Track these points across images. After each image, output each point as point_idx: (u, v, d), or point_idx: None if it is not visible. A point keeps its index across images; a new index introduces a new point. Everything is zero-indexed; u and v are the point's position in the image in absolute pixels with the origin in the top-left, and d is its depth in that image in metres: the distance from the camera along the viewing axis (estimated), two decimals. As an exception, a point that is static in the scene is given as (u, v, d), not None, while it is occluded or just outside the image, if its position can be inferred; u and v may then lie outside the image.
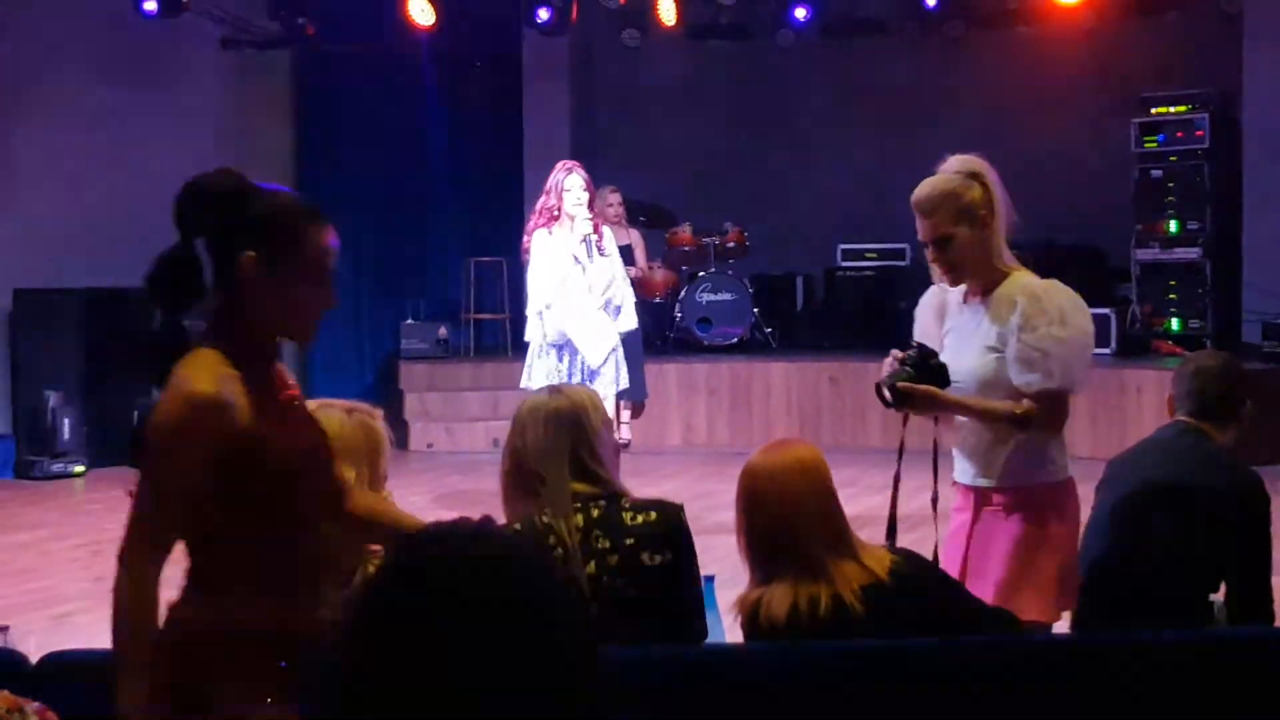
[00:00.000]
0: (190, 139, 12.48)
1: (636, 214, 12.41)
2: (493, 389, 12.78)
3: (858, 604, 3.23)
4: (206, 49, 12.69)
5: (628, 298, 8.59)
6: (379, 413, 3.50)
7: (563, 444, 3.47)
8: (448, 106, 13.70)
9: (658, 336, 12.40)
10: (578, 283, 8.23)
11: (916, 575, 3.36)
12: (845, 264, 13.68)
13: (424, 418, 12.31)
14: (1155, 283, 12.23)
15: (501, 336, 13.68)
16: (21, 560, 8.16)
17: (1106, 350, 12.01)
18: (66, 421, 11.15)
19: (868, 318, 13.41)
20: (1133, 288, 12.28)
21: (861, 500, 9.75)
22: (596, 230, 8.30)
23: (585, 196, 8.25)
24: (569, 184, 8.24)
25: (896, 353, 3.89)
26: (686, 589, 3.50)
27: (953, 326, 4.04)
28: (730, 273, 12.99)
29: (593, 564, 3.40)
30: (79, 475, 11.13)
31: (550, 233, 8.27)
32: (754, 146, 13.79)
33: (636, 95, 14.20)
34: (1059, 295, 3.84)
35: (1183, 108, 12.20)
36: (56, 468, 11.06)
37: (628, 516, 3.45)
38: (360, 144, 13.53)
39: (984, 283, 3.94)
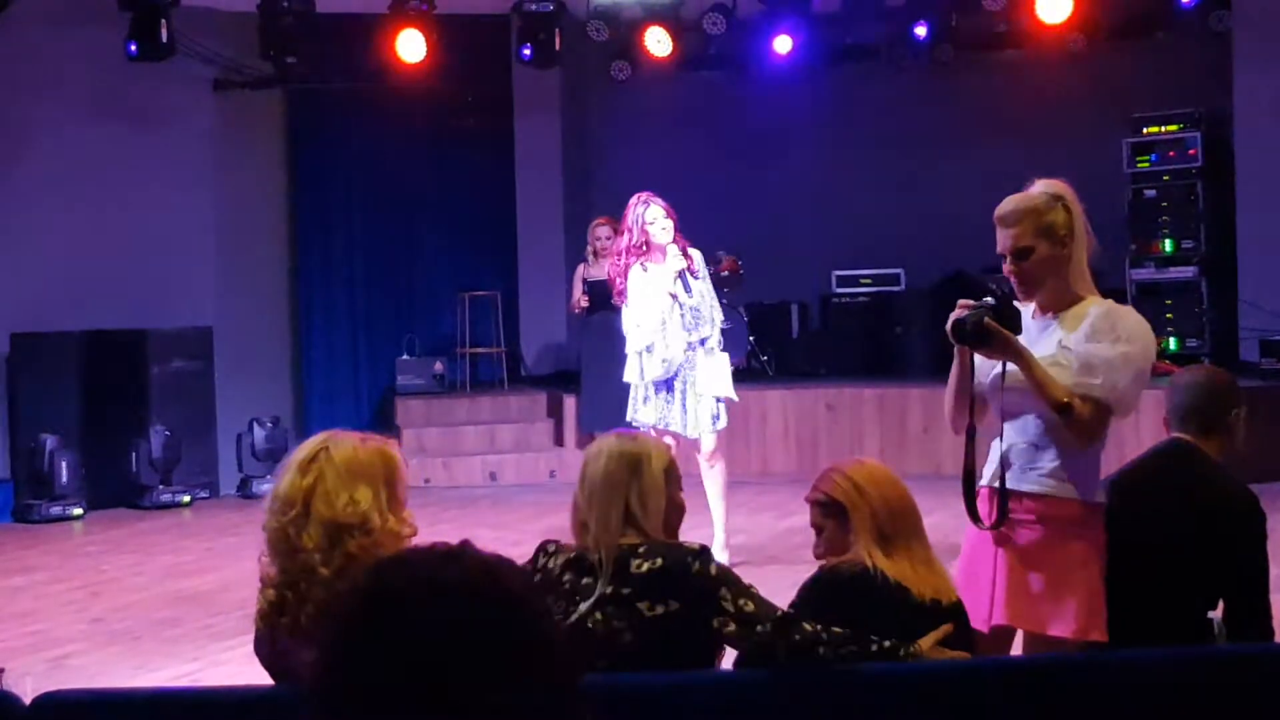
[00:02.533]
0: (184, 180, 12.54)
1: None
2: (489, 423, 12.79)
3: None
4: (199, 91, 12.73)
5: (718, 320, 8.43)
6: (394, 443, 3.49)
7: (618, 484, 3.47)
8: (439, 142, 13.73)
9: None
10: (677, 322, 8.12)
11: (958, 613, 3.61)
12: (840, 290, 13.70)
13: (421, 453, 12.29)
14: (1151, 302, 12.22)
15: (497, 371, 13.69)
16: (19, 603, 8.14)
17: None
18: (64, 464, 11.14)
19: (864, 344, 13.43)
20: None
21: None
22: (686, 256, 8.20)
23: (670, 224, 8.12)
24: (650, 215, 8.10)
25: (967, 301, 3.94)
26: (698, 639, 3.35)
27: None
28: (725, 301, 12.95)
29: (598, 612, 3.35)
30: (77, 518, 11.11)
31: (645, 269, 8.16)
32: (746, 175, 13.81)
33: (627, 127, 14.23)
34: (1131, 317, 4.00)
35: (1174, 127, 12.23)
36: (55, 511, 11.05)
37: (635, 564, 3.38)
38: (353, 181, 13.56)
39: (1058, 302, 4.03)
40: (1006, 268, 4.03)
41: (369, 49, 12.48)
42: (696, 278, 8.21)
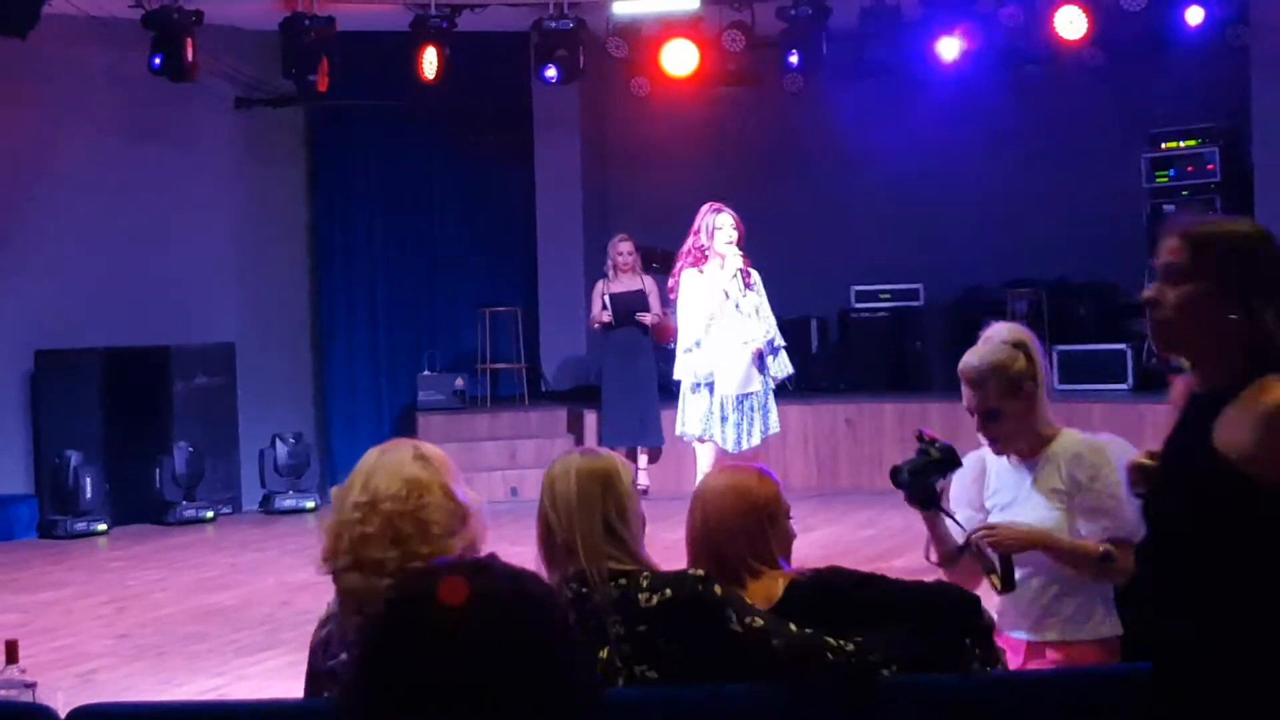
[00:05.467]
0: (207, 198, 12.63)
1: (649, 261, 12.46)
2: (510, 438, 12.83)
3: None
4: (221, 109, 12.82)
5: (777, 337, 8.52)
6: (427, 444, 3.48)
7: (594, 500, 3.38)
8: (459, 158, 13.80)
9: (674, 383, 12.41)
10: (731, 318, 8.27)
11: (809, 589, 3.50)
12: (859, 306, 13.72)
13: (443, 468, 12.31)
14: (1170, 317, 12.20)
15: (517, 386, 13.72)
16: (46, 618, 8.20)
17: (1123, 386, 12.03)
18: (88, 481, 11.21)
19: (883, 359, 13.44)
20: (1147, 323, 12.25)
21: (881, 542, 9.77)
22: (746, 266, 8.36)
23: (735, 235, 8.34)
24: (720, 222, 8.37)
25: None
26: (718, 663, 3.27)
27: (999, 488, 4.07)
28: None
29: (606, 649, 3.25)
30: (102, 534, 11.18)
31: (700, 271, 8.35)
32: (765, 191, 13.83)
33: (647, 143, 14.27)
34: (1120, 448, 3.90)
35: (1193, 142, 12.24)
36: (79, 527, 11.12)
37: (643, 598, 3.29)
38: (374, 198, 13.63)
39: (1031, 446, 4.00)
40: (977, 425, 4.01)
41: (390, 67, 12.55)
42: (750, 289, 8.36)
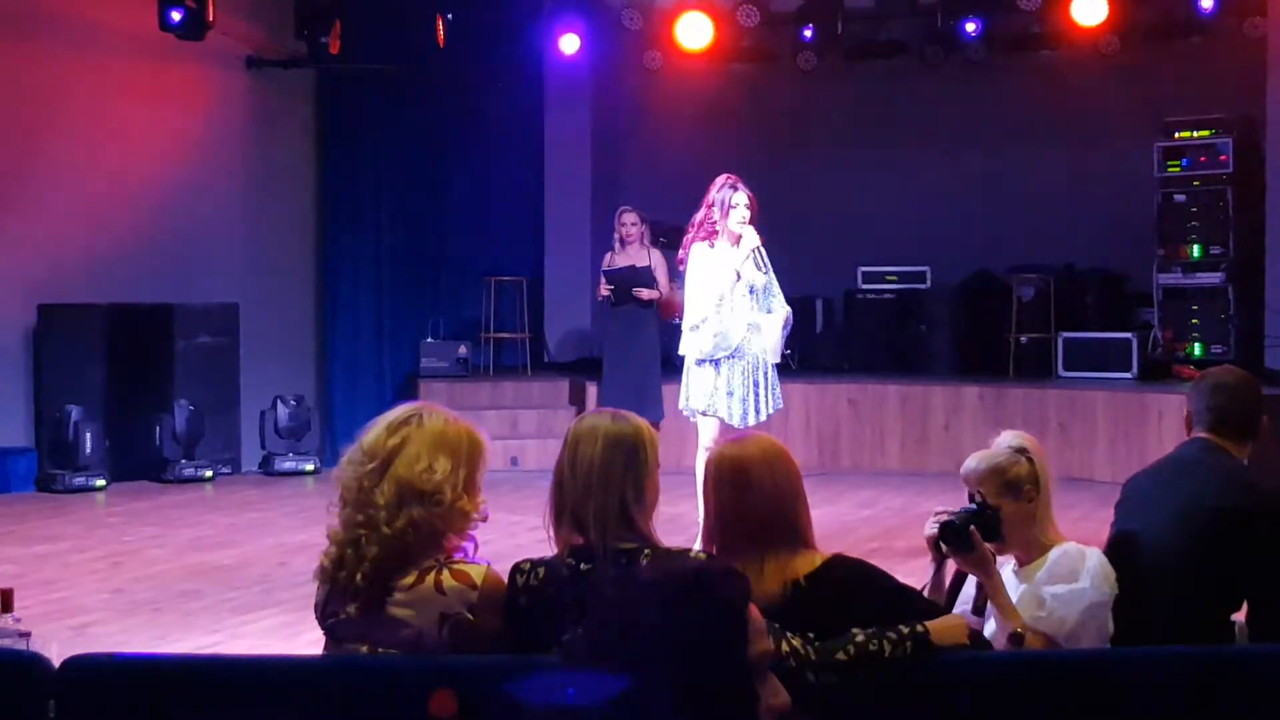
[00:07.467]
0: (214, 157, 12.60)
1: (657, 235, 12.43)
2: (511, 408, 12.85)
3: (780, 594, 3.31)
4: (231, 68, 12.78)
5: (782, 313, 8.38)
6: (482, 429, 3.49)
7: (615, 473, 3.33)
8: (469, 126, 13.76)
9: (677, 357, 12.39)
10: (742, 300, 8.11)
11: (833, 578, 3.40)
12: (865, 286, 13.70)
13: (443, 436, 12.30)
14: (1177, 307, 12.20)
15: (520, 356, 13.72)
16: (43, 571, 8.20)
17: (1127, 374, 12.01)
18: (88, 436, 11.20)
19: (887, 340, 13.44)
20: (1154, 312, 12.26)
21: (880, 521, 9.79)
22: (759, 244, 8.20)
23: (749, 214, 8.15)
24: (736, 200, 8.10)
25: (944, 508, 3.90)
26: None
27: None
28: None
29: None
30: (100, 489, 11.18)
31: (711, 246, 8.15)
32: (774, 168, 13.78)
33: (657, 116, 14.23)
34: (1087, 559, 3.90)
35: (1206, 132, 12.18)
36: (78, 481, 11.11)
37: None
38: (382, 163, 13.58)
39: (1029, 554, 3.99)
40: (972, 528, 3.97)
41: (403, 31, 12.51)
42: (763, 271, 8.21)
